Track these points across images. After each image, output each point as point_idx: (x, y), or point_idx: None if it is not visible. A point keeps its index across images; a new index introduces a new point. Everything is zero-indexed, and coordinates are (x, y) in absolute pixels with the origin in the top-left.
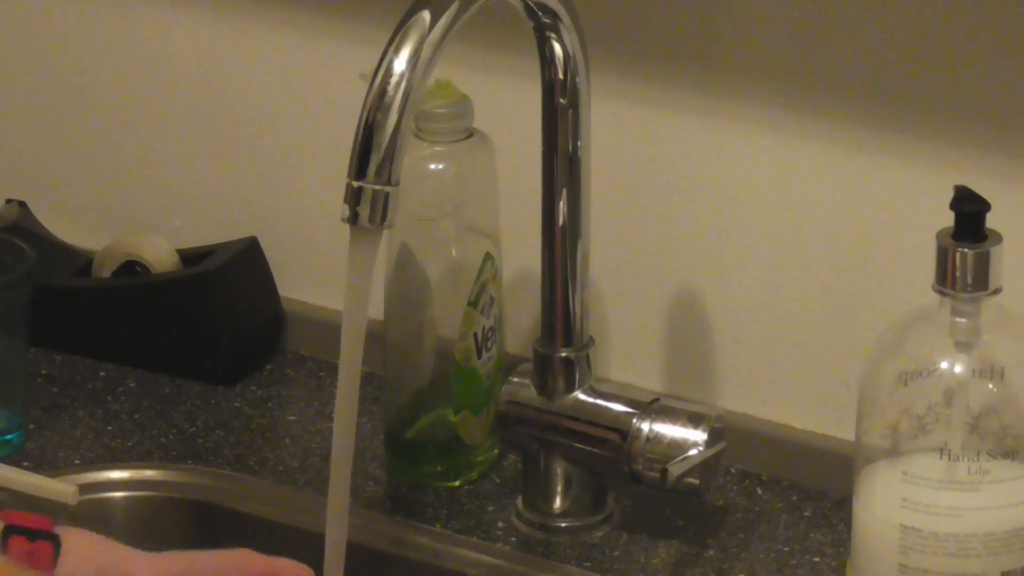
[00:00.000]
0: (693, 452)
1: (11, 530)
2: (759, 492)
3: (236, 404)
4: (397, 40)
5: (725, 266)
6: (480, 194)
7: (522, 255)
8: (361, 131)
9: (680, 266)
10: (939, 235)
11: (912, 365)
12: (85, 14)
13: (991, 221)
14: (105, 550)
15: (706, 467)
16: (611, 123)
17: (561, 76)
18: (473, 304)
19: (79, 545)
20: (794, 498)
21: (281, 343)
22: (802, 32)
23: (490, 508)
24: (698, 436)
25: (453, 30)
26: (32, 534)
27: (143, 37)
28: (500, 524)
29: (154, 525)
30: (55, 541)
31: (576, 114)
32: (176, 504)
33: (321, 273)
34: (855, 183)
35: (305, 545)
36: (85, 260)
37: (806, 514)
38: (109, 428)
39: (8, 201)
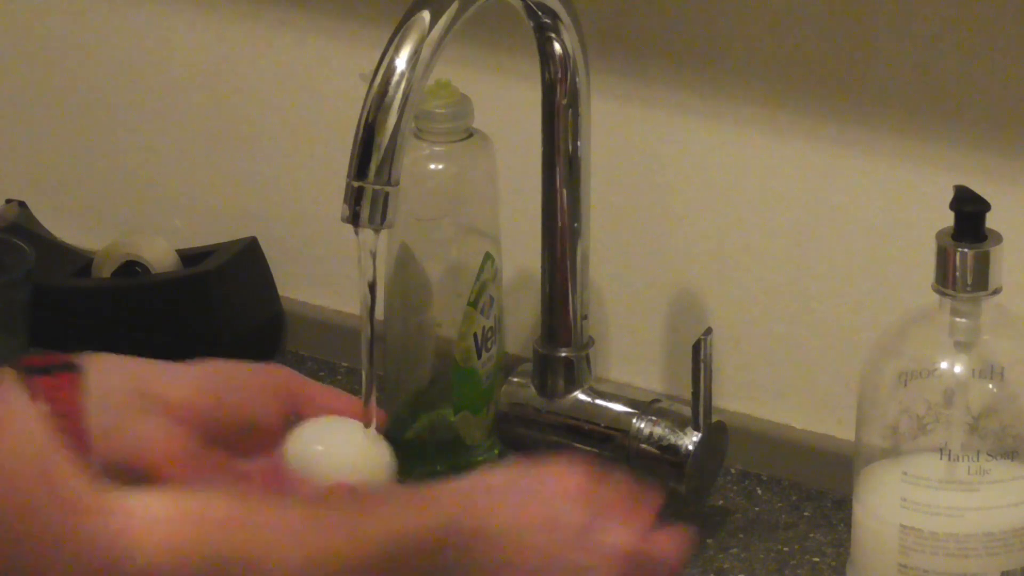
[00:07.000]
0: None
1: (30, 371)
2: (759, 492)
3: None
4: (397, 40)
5: (725, 266)
6: (480, 194)
7: (522, 255)
8: (361, 131)
9: (680, 266)
10: (939, 235)
11: (912, 365)
12: (85, 14)
13: (991, 221)
14: (135, 370)
15: (707, 468)
16: (611, 123)
17: (561, 76)
18: (473, 304)
19: (106, 368)
20: (794, 498)
21: (281, 343)
22: (802, 33)
23: None
24: (698, 437)
25: (453, 30)
26: (51, 369)
27: (143, 37)
28: None
29: None
30: (77, 369)
31: (576, 114)
32: None
33: (321, 273)
34: (855, 183)
35: None
36: (85, 260)
37: (806, 514)
38: None
39: (8, 201)
